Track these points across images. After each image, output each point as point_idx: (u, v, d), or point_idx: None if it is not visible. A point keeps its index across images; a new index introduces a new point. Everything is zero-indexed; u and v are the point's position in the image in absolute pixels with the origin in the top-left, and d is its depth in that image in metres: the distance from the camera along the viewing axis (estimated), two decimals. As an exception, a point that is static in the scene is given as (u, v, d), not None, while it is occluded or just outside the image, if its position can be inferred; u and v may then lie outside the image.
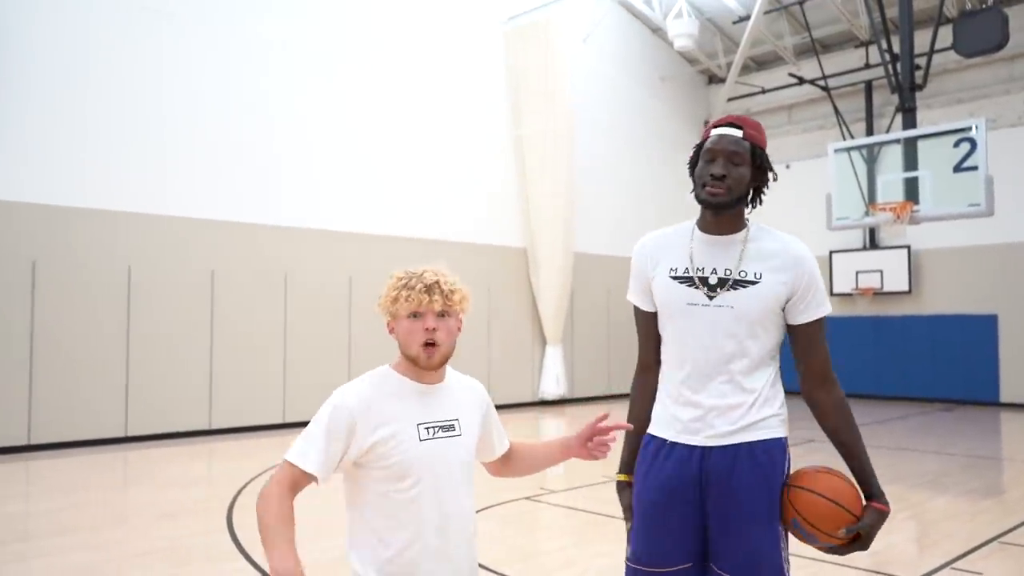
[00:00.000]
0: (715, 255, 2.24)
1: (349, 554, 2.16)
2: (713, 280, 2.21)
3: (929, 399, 14.91)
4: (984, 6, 11.48)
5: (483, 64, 14.26)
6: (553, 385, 14.47)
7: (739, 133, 2.22)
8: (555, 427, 12.44)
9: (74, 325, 9.48)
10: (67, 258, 9.47)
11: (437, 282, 2.14)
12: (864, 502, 2.18)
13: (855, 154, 10.56)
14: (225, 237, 10.75)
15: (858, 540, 2.15)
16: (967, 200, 9.44)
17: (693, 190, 2.28)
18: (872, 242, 15.85)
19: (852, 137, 14.87)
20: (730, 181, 2.18)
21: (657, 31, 17.27)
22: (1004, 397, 14.13)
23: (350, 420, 2.06)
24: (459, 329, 2.21)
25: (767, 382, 2.26)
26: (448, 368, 2.28)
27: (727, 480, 2.18)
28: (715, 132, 2.24)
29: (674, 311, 2.25)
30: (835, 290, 16.17)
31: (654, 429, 2.33)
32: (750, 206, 2.29)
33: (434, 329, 2.12)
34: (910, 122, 10.66)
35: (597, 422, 2.30)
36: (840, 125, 15.57)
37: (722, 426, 2.20)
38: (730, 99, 17.74)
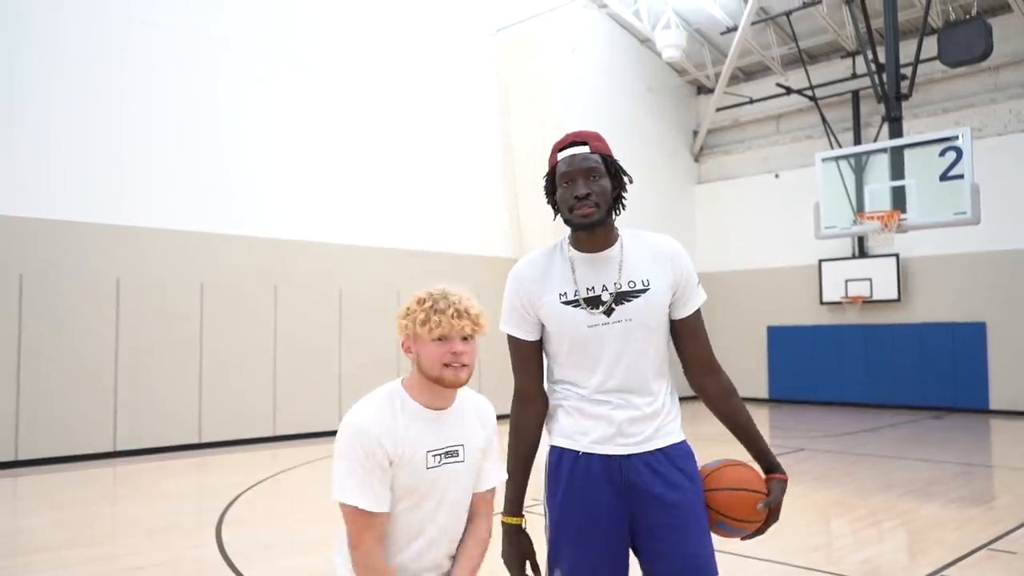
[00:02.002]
0: (599, 272, 2.24)
1: (337, 567, 2.16)
2: (606, 297, 2.21)
3: (919, 407, 14.95)
4: (968, 16, 11.58)
5: (472, 75, 14.30)
6: (544, 395, 14.44)
7: (586, 149, 2.22)
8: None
9: (62, 339, 9.43)
10: (55, 271, 9.43)
11: (467, 307, 2.17)
12: (764, 477, 2.29)
13: (843, 163, 10.62)
14: (214, 249, 10.73)
15: (771, 515, 2.26)
16: (954, 208, 9.50)
17: (559, 215, 2.28)
18: (861, 251, 15.92)
19: (840, 146, 14.97)
20: (595, 197, 2.19)
21: (645, 42, 17.36)
22: (993, 404, 14.19)
23: (381, 447, 2.08)
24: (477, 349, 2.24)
25: (668, 388, 2.30)
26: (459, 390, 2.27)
27: (651, 487, 2.19)
28: (563, 155, 2.24)
29: (576, 335, 2.22)
30: (824, 299, 16.24)
31: (560, 441, 2.29)
32: (615, 214, 2.29)
33: (461, 353, 2.14)
34: (897, 131, 10.73)
35: None
36: (828, 134, 15.68)
37: (638, 433, 2.21)
38: (718, 109, 17.85)
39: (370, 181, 12.55)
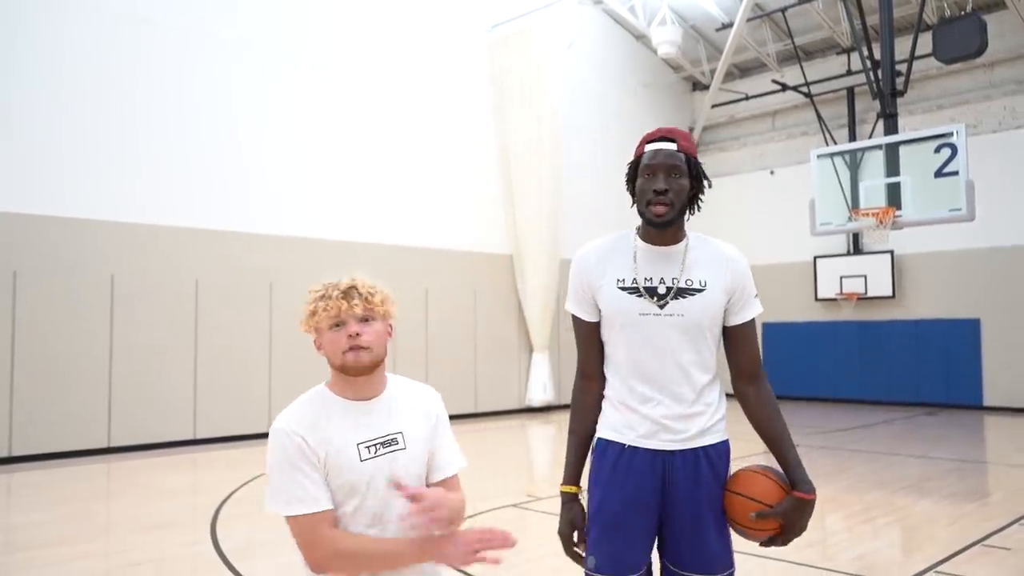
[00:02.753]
0: (660, 265, 2.30)
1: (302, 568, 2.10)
2: (662, 290, 2.27)
3: (913, 403, 14.99)
4: (963, 13, 11.59)
5: (468, 72, 14.28)
6: (540, 392, 14.46)
7: (673, 146, 2.28)
8: (542, 434, 12.43)
9: (56, 335, 9.40)
10: (49, 268, 9.40)
11: (354, 287, 2.06)
12: (785, 490, 2.29)
13: (838, 160, 10.63)
14: (209, 246, 10.70)
15: (786, 529, 2.26)
16: (949, 205, 9.51)
17: (635, 205, 2.34)
18: (856, 247, 15.94)
19: (835, 143, 14.95)
20: (672, 195, 2.25)
21: (641, 38, 17.35)
22: (987, 401, 14.23)
23: (306, 444, 1.99)
24: (389, 334, 2.13)
25: (716, 388, 2.36)
26: (393, 378, 2.20)
27: (691, 485, 2.27)
28: (650, 147, 2.30)
29: (626, 321, 2.28)
30: (819, 295, 16.26)
31: (608, 434, 2.35)
32: (688, 214, 2.35)
33: (358, 334, 2.02)
34: (892, 128, 10.73)
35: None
36: (823, 131, 15.67)
37: (683, 431, 2.27)
38: (714, 106, 17.84)
39: (365, 177, 12.52)
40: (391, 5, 13.08)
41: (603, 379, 2.40)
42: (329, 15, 12.28)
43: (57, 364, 9.39)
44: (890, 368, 15.38)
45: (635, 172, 2.34)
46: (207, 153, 10.77)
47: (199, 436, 10.44)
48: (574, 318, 2.42)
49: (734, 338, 2.37)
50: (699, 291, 2.27)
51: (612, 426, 2.34)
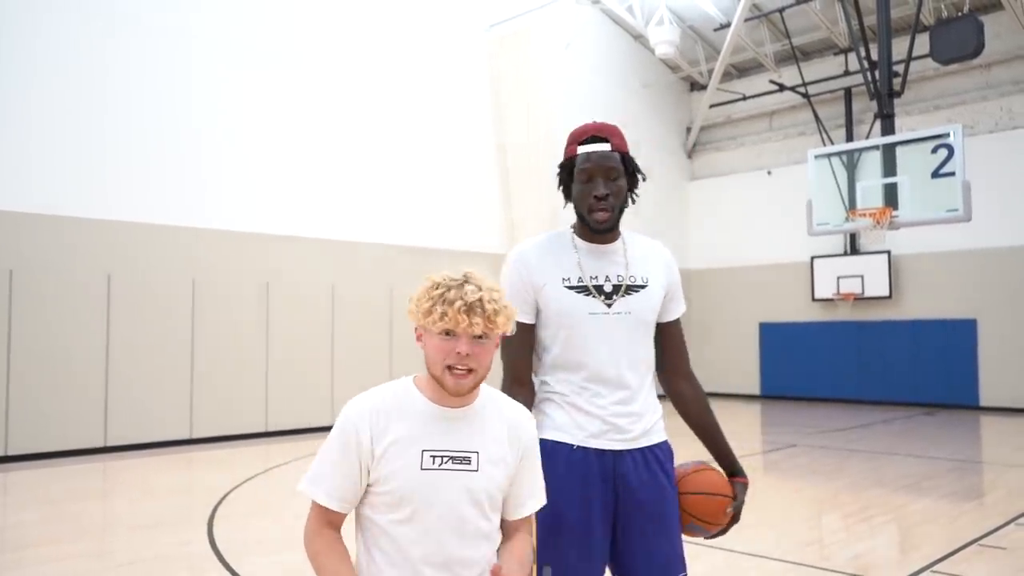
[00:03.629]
0: (604, 263, 2.28)
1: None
2: (608, 288, 2.26)
3: (910, 403, 15.00)
4: (960, 14, 11.59)
5: (466, 71, 14.27)
6: (537, 392, 14.45)
7: (607, 146, 2.23)
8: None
9: (52, 334, 9.37)
10: (45, 267, 9.37)
11: (480, 300, 1.83)
12: (728, 480, 2.38)
13: (835, 160, 10.63)
14: (206, 245, 10.68)
15: (734, 517, 2.34)
16: (945, 206, 9.51)
17: (575, 209, 2.30)
18: (853, 247, 15.96)
19: (832, 143, 14.99)
20: (613, 199, 2.23)
21: (639, 38, 17.35)
22: (984, 401, 14.24)
23: (359, 438, 1.86)
24: (496, 347, 1.94)
25: (653, 387, 2.36)
26: (487, 390, 2.01)
27: (639, 486, 2.23)
28: (583, 150, 2.25)
29: (575, 321, 2.23)
30: (816, 295, 16.28)
31: (553, 434, 2.24)
32: (625, 207, 2.32)
33: (467, 355, 1.83)
34: (889, 128, 10.73)
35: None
36: (820, 131, 15.71)
37: (630, 430, 2.24)
38: (711, 106, 17.86)
39: (363, 177, 12.51)
40: (391, 5, 13.07)
41: (531, 385, 2.34)
42: (330, 15, 12.26)
43: (53, 363, 9.35)
44: (887, 368, 15.39)
45: (568, 174, 2.29)
46: (205, 152, 10.75)
47: (195, 435, 10.42)
48: None
49: (668, 335, 2.38)
50: (643, 287, 2.27)
51: (558, 426, 2.25)
